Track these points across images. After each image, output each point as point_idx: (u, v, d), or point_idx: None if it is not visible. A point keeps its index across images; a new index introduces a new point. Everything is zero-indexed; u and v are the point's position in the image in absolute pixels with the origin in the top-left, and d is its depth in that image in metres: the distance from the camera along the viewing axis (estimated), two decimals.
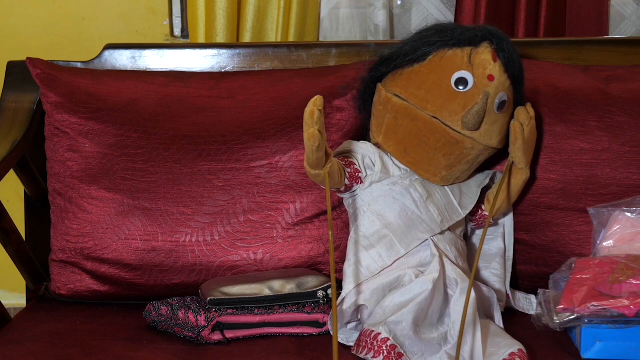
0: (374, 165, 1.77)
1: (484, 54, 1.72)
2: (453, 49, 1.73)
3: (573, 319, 1.62)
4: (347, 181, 1.75)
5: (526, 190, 1.87)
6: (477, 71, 1.72)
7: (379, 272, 1.71)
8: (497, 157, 1.86)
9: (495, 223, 1.86)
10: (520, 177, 1.81)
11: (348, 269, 1.73)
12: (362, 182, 1.77)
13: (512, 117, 1.78)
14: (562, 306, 1.63)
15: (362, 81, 1.83)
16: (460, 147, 1.73)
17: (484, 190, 1.83)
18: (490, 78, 1.71)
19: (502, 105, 1.74)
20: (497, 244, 1.87)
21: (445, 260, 1.69)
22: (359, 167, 1.76)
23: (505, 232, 1.87)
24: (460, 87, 1.72)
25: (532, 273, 1.91)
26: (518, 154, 1.77)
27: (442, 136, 1.72)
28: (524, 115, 1.75)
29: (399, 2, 2.51)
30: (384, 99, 1.77)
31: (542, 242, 1.89)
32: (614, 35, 2.50)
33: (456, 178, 1.78)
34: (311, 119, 1.57)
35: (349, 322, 1.72)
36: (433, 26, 1.79)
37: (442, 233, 1.74)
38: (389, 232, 1.73)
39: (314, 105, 1.57)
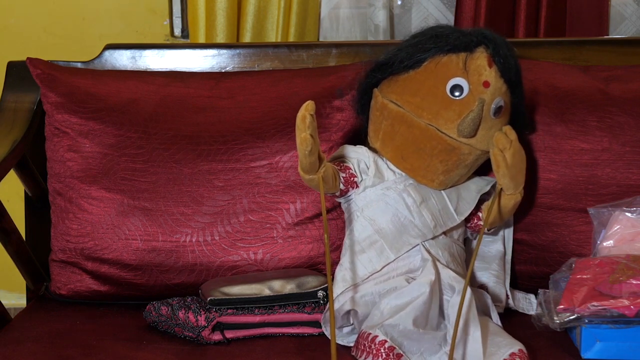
0: (368, 170, 1.77)
1: (479, 59, 1.72)
2: (448, 55, 1.72)
3: (573, 319, 1.62)
4: (342, 186, 1.75)
5: (526, 190, 1.86)
6: (472, 77, 1.71)
7: (368, 277, 1.70)
8: None
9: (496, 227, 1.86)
10: (509, 202, 1.77)
11: (339, 273, 1.73)
12: (357, 186, 1.77)
13: (509, 121, 1.77)
14: (562, 306, 1.63)
15: (359, 85, 1.83)
16: (457, 154, 1.73)
17: (483, 196, 1.82)
18: (486, 84, 1.71)
19: (498, 111, 1.73)
20: (496, 247, 1.87)
21: (439, 264, 1.68)
22: (354, 171, 1.76)
23: (505, 235, 1.87)
24: (456, 94, 1.71)
25: (532, 273, 1.91)
26: (504, 181, 1.73)
27: (438, 143, 1.72)
28: (503, 141, 1.70)
29: (399, 2, 2.51)
30: (380, 105, 1.77)
31: (542, 242, 1.89)
32: (614, 35, 2.50)
33: (455, 182, 1.78)
34: (303, 124, 1.57)
35: (342, 327, 1.71)
36: (428, 30, 1.78)
37: (434, 238, 1.73)
38: (379, 238, 1.72)
39: (306, 110, 1.57)
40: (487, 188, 1.82)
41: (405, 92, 1.74)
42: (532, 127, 1.88)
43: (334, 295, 1.70)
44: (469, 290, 1.62)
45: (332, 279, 1.76)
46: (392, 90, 1.76)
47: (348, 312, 1.69)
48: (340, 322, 1.70)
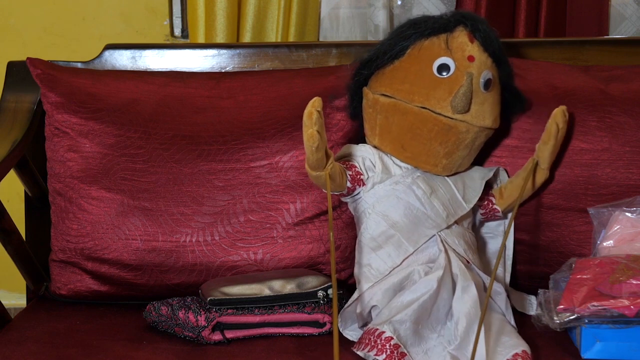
0: (375, 166, 1.77)
1: (460, 37, 1.74)
2: (429, 39, 1.75)
3: (573, 319, 1.62)
4: (349, 184, 1.76)
5: None
6: (457, 54, 1.73)
7: (390, 272, 1.71)
8: (498, 155, 1.87)
9: (503, 216, 1.86)
10: (540, 178, 1.82)
11: (359, 272, 1.74)
12: (364, 184, 1.77)
13: (501, 95, 1.79)
14: (562, 306, 1.63)
15: (348, 89, 1.84)
16: (455, 133, 1.73)
17: (487, 184, 1.83)
18: (471, 59, 1.73)
19: (487, 84, 1.75)
20: (497, 244, 1.87)
21: (452, 255, 1.69)
22: (360, 169, 1.77)
23: (506, 231, 1.87)
24: (443, 73, 1.73)
25: (532, 273, 1.91)
26: (545, 154, 1.78)
27: (434, 125, 1.73)
28: (561, 117, 1.77)
29: (399, 2, 2.51)
30: (371, 101, 1.78)
31: (542, 242, 1.89)
32: (614, 35, 2.50)
33: (458, 165, 1.79)
34: (310, 120, 1.58)
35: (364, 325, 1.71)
36: (406, 21, 1.80)
37: (449, 227, 1.74)
38: (395, 232, 1.73)
39: (312, 107, 1.58)
40: (490, 174, 1.83)
41: (394, 81, 1.75)
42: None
43: (357, 294, 1.71)
44: (473, 287, 1.62)
45: (341, 276, 1.76)
46: (380, 83, 1.77)
47: (370, 309, 1.70)
48: (365, 320, 1.70)
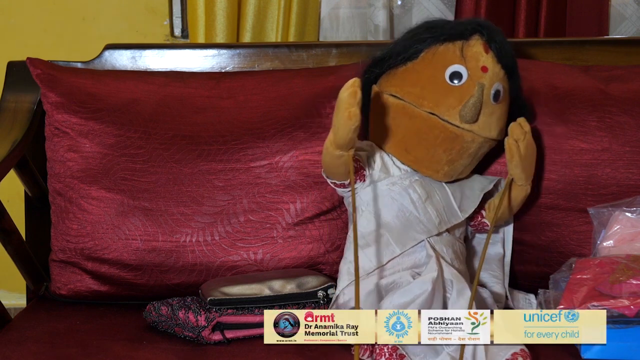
0: (375, 164, 1.77)
1: (476, 46, 1.73)
2: (444, 44, 1.74)
3: None
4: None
5: None
6: (470, 64, 1.72)
7: (373, 271, 1.71)
8: (498, 155, 1.87)
9: (495, 230, 1.86)
10: (520, 193, 1.79)
11: (343, 267, 1.74)
12: (364, 179, 1.77)
13: (509, 107, 1.78)
14: (562, 306, 1.63)
15: None
16: (460, 141, 1.73)
17: (486, 195, 1.82)
18: (484, 69, 1.72)
19: (497, 96, 1.74)
20: (496, 249, 1.87)
21: (442, 261, 1.69)
22: (363, 164, 1.77)
23: (504, 238, 1.87)
24: (455, 81, 1.72)
25: (532, 273, 1.91)
26: (516, 171, 1.75)
27: (441, 132, 1.72)
28: (518, 131, 1.73)
29: (399, 2, 2.51)
30: (379, 100, 1.78)
31: (542, 242, 1.89)
32: (614, 35, 2.50)
33: (459, 173, 1.78)
34: (354, 99, 1.57)
35: None
36: (423, 23, 1.79)
37: (439, 234, 1.74)
38: (385, 232, 1.73)
39: (354, 86, 1.58)
40: (490, 186, 1.82)
41: (405, 83, 1.74)
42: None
43: (339, 289, 1.71)
44: (468, 290, 1.62)
45: (337, 272, 1.77)
46: (391, 83, 1.76)
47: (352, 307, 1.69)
48: None
